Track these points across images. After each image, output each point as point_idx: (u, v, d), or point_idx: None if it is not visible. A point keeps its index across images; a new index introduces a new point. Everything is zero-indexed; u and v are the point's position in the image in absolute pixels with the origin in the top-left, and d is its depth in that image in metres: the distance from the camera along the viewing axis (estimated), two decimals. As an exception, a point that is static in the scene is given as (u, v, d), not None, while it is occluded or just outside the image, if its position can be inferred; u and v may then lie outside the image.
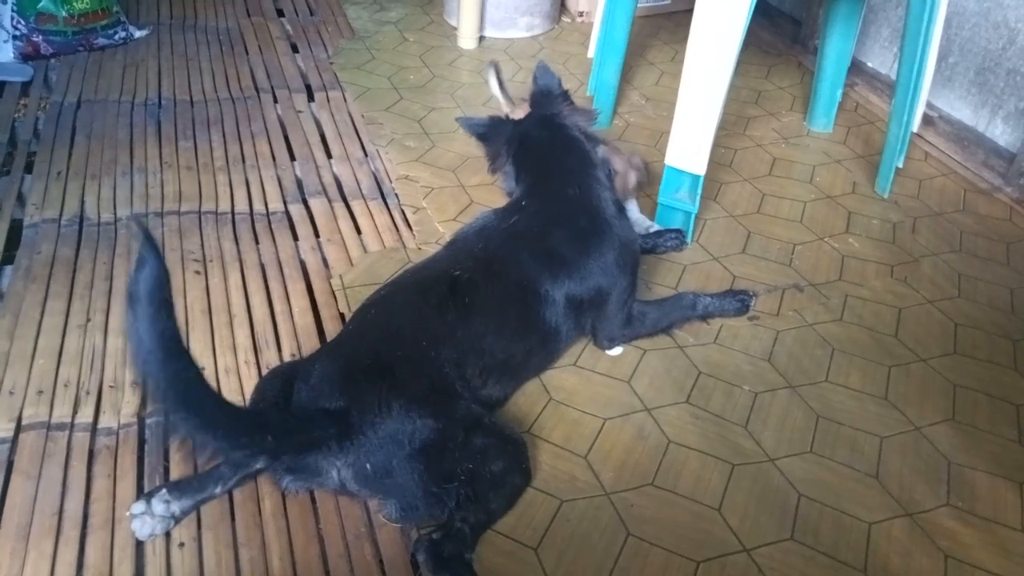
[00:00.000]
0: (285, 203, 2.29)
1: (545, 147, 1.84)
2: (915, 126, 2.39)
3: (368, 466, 1.35)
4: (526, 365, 1.73)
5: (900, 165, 2.48)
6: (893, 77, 2.85)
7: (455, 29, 3.35)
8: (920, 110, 2.37)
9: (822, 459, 1.63)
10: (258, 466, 1.46)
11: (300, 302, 1.94)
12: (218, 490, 1.45)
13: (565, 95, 1.91)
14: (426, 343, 1.49)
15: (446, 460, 1.38)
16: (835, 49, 2.62)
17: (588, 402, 1.73)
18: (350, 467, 1.37)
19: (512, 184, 1.89)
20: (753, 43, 3.38)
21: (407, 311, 1.55)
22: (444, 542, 1.36)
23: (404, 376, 1.42)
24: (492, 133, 1.88)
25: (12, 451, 1.54)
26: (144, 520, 1.39)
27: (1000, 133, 2.57)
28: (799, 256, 2.21)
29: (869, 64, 3.08)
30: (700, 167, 2.09)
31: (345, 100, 2.84)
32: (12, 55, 2.90)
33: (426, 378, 1.45)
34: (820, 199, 2.46)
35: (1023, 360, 1.90)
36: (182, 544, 1.40)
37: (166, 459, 1.54)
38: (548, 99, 1.90)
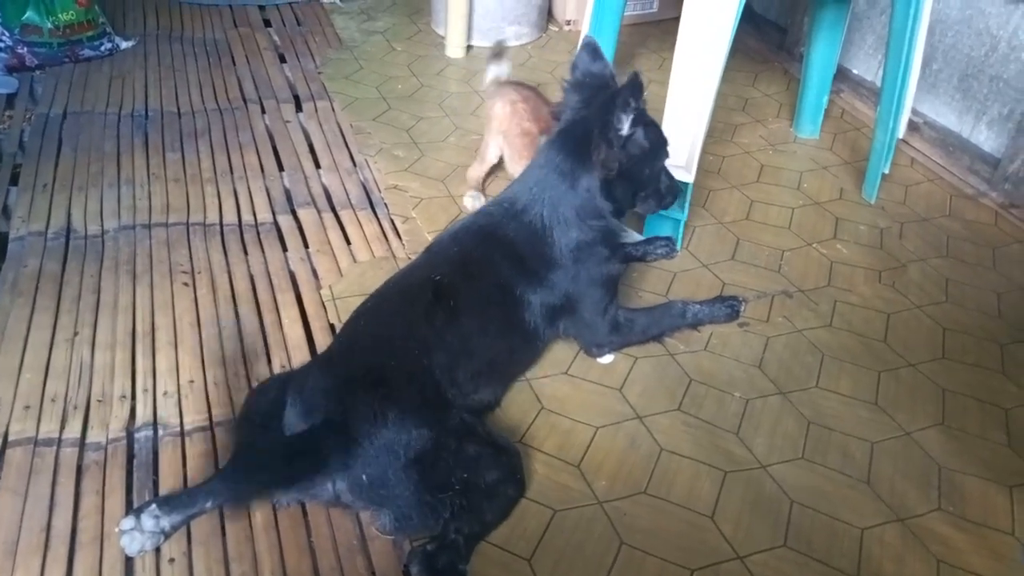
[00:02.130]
0: (274, 214, 2.28)
1: (561, 155, 1.68)
2: (901, 132, 2.41)
3: (364, 478, 1.35)
4: (512, 363, 1.74)
5: (886, 171, 2.50)
6: (878, 84, 2.87)
7: (443, 38, 3.36)
8: (905, 116, 2.39)
9: (814, 465, 1.63)
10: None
11: (290, 313, 1.93)
12: (208, 504, 1.44)
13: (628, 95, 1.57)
14: (417, 351, 1.49)
15: (440, 470, 1.38)
16: (820, 56, 2.64)
17: (580, 411, 1.73)
18: (346, 480, 1.36)
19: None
20: (739, 50, 3.40)
21: (396, 320, 1.55)
22: (438, 553, 1.36)
23: (398, 386, 1.42)
24: (578, 91, 1.69)
25: (-1, 467, 1.52)
26: (133, 536, 1.37)
27: (984, 139, 2.59)
28: (788, 262, 2.21)
29: (854, 71, 3.10)
30: (689, 175, 2.09)
31: (333, 110, 2.84)
32: (-3, 67, 2.89)
33: (419, 387, 1.45)
34: (808, 205, 2.47)
35: (1011, 364, 1.91)
36: (172, 560, 1.38)
37: (155, 473, 1.53)
38: (602, 98, 1.62)
